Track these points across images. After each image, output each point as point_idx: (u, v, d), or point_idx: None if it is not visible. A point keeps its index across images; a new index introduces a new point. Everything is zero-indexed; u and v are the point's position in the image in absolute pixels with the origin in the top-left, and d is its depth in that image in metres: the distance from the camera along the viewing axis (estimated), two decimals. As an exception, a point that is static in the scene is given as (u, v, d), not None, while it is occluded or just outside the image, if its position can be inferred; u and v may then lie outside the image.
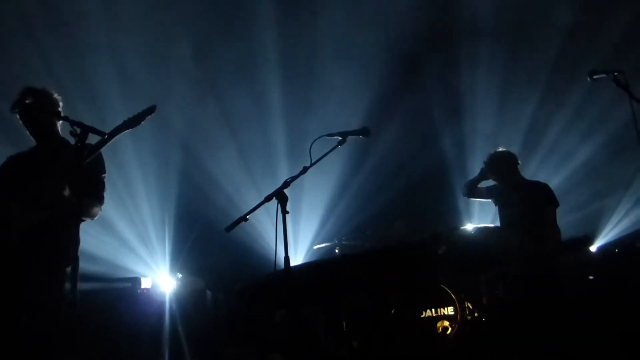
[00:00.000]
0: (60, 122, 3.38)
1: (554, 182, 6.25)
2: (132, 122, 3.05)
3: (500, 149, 4.98)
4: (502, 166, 4.87)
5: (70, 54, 6.31)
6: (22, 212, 3.04)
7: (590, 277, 5.50)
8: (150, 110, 3.07)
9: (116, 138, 3.04)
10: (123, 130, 3.04)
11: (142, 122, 3.06)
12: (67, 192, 3.06)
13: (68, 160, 3.04)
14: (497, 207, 4.97)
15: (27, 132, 3.38)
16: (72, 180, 3.03)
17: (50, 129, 3.38)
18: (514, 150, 5.04)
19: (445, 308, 4.80)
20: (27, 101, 3.27)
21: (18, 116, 3.32)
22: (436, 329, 4.74)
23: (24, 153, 3.44)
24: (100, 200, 3.32)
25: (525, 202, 4.69)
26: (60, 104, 3.41)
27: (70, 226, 2.85)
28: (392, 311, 4.83)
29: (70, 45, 6.34)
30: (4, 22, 6.08)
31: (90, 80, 6.40)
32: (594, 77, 3.60)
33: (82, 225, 3.08)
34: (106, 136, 2.91)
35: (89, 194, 3.16)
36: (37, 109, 3.26)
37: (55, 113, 3.27)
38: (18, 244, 3.01)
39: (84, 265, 2.73)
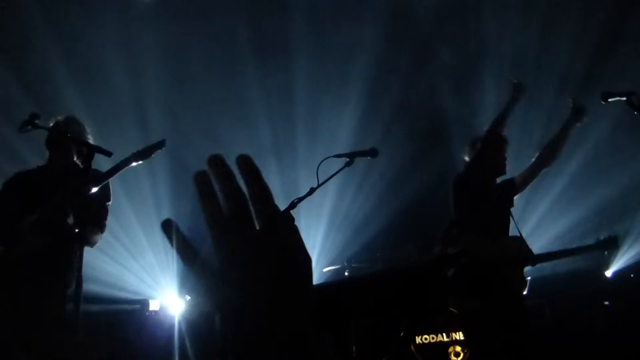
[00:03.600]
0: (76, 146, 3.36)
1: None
2: (141, 155, 3.09)
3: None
4: (500, 147, 4.02)
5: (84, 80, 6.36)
6: (26, 235, 3.03)
7: (606, 303, 5.40)
8: (160, 144, 3.13)
9: (126, 169, 3.07)
10: (132, 162, 3.07)
11: (152, 156, 3.10)
12: (70, 220, 3.07)
13: (74, 187, 3.04)
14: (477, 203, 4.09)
15: (45, 152, 3.36)
16: (76, 208, 3.04)
17: (67, 153, 3.36)
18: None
19: (457, 332, 4.72)
20: (62, 126, 3.28)
21: (48, 136, 3.28)
22: (448, 353, 4.66)
23: (31, 171, 3.41)
24: (101, 228, 3.30)
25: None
26: (89, 134, 3.39)
27: (70, 252, 2.85)
28: (402, 334, 4.75)
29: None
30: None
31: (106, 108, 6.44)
32: (608, 99, 3.35)
33: (92, 249, 3.10)
34: (117, 163, 2.96)
35: (92, 222, 3.16)
36: (64, 135, 3.25)
37: (73, 139, 3.22)
38: (17, 265, 3.00)
39: (93, 288, 2.71)
